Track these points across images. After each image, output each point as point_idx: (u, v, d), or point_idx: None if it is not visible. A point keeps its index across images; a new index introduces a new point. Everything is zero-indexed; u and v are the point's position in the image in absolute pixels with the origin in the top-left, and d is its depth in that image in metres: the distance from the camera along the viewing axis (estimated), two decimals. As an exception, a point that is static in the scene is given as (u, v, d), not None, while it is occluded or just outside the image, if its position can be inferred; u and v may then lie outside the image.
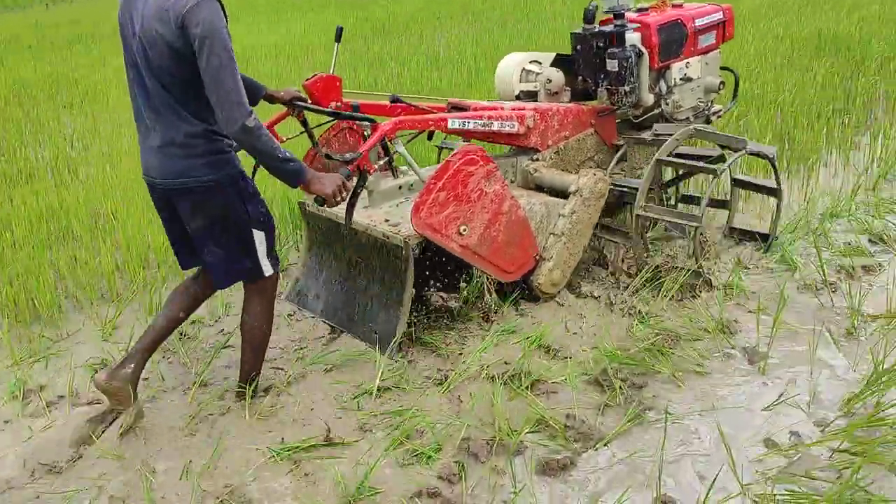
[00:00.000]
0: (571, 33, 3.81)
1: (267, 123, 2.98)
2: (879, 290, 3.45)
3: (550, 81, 3.80)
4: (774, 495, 2.29)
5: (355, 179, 2.90)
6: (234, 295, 3.74)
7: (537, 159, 3.68)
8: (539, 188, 3.66)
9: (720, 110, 4.25)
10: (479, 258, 3.25)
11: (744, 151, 3.56)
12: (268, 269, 2.78)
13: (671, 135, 3.59)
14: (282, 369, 3.15)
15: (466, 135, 3.61)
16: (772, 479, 2.38)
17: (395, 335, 3.15)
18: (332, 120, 3.47)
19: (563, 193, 3.55)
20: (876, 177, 4.75)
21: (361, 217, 3.29)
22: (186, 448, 2.72)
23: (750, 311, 3.34)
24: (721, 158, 3.78)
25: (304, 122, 3.34)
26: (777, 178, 3.85)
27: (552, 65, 3.89)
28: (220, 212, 2.63)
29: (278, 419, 2.84)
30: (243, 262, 2.73)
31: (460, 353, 3.16)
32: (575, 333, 3.28)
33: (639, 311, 3.37)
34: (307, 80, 3.44)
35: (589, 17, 3.67)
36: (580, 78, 3.83)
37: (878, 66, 6.77)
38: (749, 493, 2.33)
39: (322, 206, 2.72)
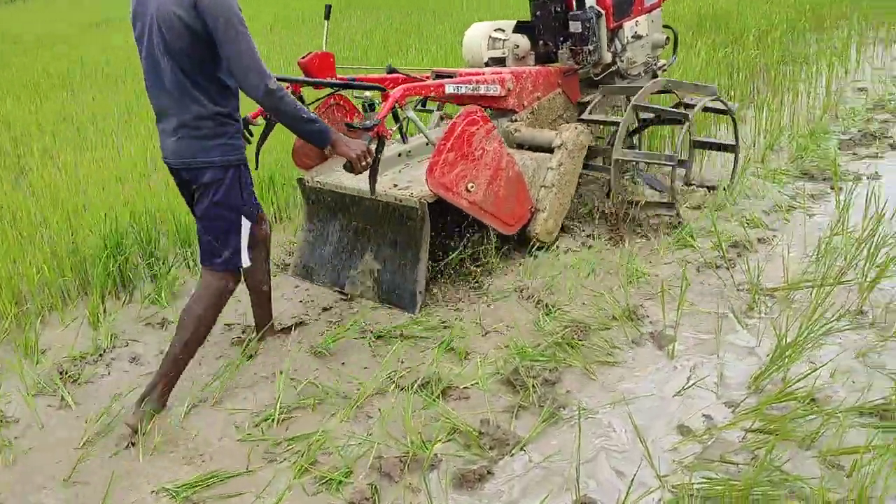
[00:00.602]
0: (531, 1, 4.04)
1: None
2: (776, 262, 3.51)
3: (518, 47, 4.06)
4: (692, 485, 2.25)
5: (374, 145, 3.01)
6: (124, 326, 3.48)
7: (516, 120, 3.90)
8: (520, 146, 3.86)
9: (665, 64, 4.54)
10: (485, 213, 3.46)
11: (715, 96, 3.95)
12: (245, 261, 2.83)
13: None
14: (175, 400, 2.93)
15: (455, 99, 3.76)
16: (688, 467, 2.35)
17: (416, 292, 3.35)
18: (322, 97, 3.64)
19: (545, 149, 3.79)
20: (763, 149, 4.87)
21: (362, 185, 3.36)
22: (74, 498, 2.48)
23: (655, 295, 3.33)
24: (683, 116, 3.94)
25: (301, 99, 3.42)
26: (736, 134, 4.17)
27: (514, 31, 4.12)
28: (220, 195, 2.72)
29: (173, 455, 2.62)
30: (227, 246, 2.79)
31: (365, 367, 3.02)
32: (486, 333, 3.19)
33: (545, 304, 3.31)
34: (303, 57, 3.46)
35: None
36: (541, 42, 4.10)
37: (756, 41, 6.99)
38: (667, 485, 2.29)
39: (350, 171, 2.82)
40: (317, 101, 3.66)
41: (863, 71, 6.33)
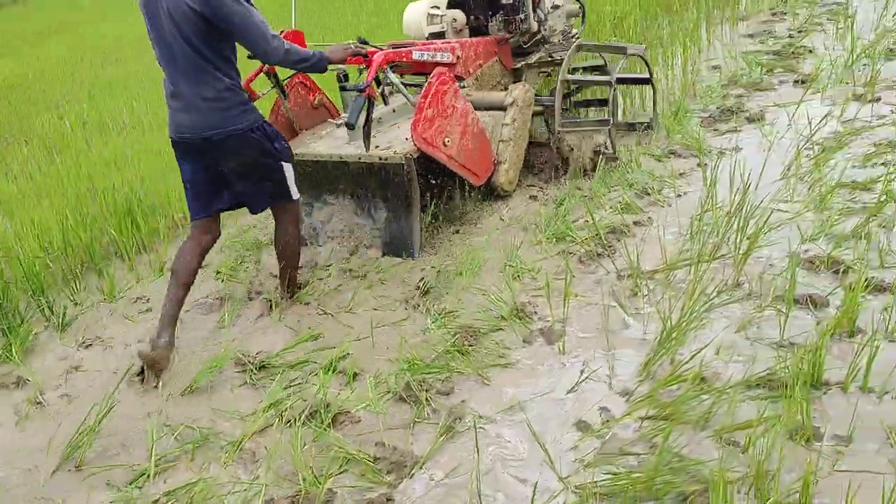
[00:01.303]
0: None
1: (245, 81, 3.24)
2: (654, 244, 3.54)
3: (456, 21, 4.40)
4: (595, 483, 2.20)
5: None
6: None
7: (464, 86, 4.10)
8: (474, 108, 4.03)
9: (577, 32, 4.90)
10: (459, 165, 3.78)
11: (626, 54, 4.44)
12: (295, 194, 3.29)
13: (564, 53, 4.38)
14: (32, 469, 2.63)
15: (416, 66, 3.99)
16: (590, 464, 2.30)
17: (413, 239, 3.68)
18: (290, 76, 3.91)
19: (497, 108, 4.15)
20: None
21: (349, 150, 3.71)
22: None
23: (541, 289, 3.29)
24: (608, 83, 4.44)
25: (275, 75, 3.68)
26: (650, 71, 4.76)
27: (448, 8, 4.44)
28: (253, 153, 3.09)
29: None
30: (276, 191, 3.23)
31: (247, 402, 2.82)
32: (373, 348, 3.05)
33: (433, 312, 3.21)
34: None
35: None
36: (472, 17, 4.47)
37: (613, 27, 7.15)
38: (570, 487, 2.23)
39: (351, 128, 3.38)
40: (286, 78, 3.92)
41: (714, 49, 6.59)
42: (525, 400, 2.63)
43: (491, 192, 4.17)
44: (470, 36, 4.45)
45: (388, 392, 2.76)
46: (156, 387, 2.98)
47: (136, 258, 4.16)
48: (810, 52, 6.00)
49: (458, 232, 3.96)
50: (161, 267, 3.97)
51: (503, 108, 4.14)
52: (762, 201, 3.67)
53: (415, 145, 3.54)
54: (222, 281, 3.80)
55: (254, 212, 3.41)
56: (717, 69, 5.99)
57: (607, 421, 2.48)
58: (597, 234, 3.64)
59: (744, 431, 2.31)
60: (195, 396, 2.88)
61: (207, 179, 3.18)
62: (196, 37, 2.88)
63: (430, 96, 3.57)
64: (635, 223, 3.79)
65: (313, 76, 4.10)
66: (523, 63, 4.55)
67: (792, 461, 2.18)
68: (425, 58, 3.90)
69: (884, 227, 3.36)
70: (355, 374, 2.88)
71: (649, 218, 3.82)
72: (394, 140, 3.74)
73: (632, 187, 4.14)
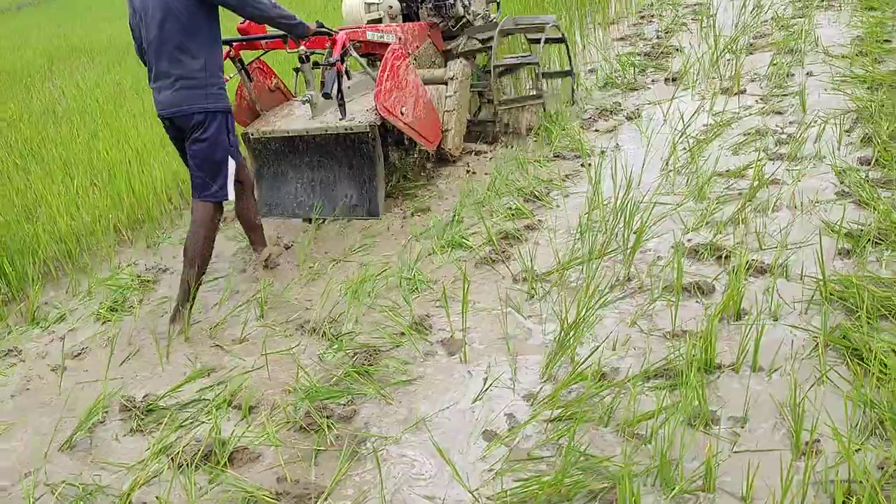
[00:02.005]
0: None
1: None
2: (546, 246, 3.57)
3: (391, 7, 4.73)
4: (505, 491, 2.16)
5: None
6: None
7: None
8: None
9: (495, 16, 5.38)
10: (415, 132, 4.17)
11: (546, 31, 5.03)
12: (231, 195, 3.43)
13: (490, 36, 4.93)
14: None
15: (367, 46, 4.37)
16: (499, 473, 2.26)
17: (378, 200, 4.08)
18: (253, 59, 4.32)
19: (439, 83, 4.60)
20: (517, 138, 5.01)
21: (313, 124, 4.12)
22: None
23: (439, 300, 3.24)
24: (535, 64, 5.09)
25: (241, 61, 4.13)
26: (570, 61, 5.45)
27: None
28: (211, 136, 3.31)
29: None
30: (216, 182, 3.37)
31: (133, 449, 2.63)
32: (268, 380, 2.92)
33: (330, 335, 3.11)
34: (241, 23, 3.98)
35: None
36: (405, 4, 4.87)
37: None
38: (481, 498, 2.18)
39: (328, 97, 3.76)
40: (249, 62, 4.27)
41: (589, 53, 6.77)
42: (430, 415, 2.57)
43: (440, 159, 4.67)
44: (403, 22, 4.82)
45: (288, 423, 2.64)
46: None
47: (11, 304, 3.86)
48: (678, 50, 6.25)
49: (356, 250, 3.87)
50: (33, 315, 3.69)
51: (445, 83, 4.61)
52: (645, 196, 3.77)
53: (377, 114, 3.90)
54: (103, 322, 3.56)
55: (194, 195, 3.46)
56: (594, 72, 6.16)
57: (513, 427, 2.45)
58: (490, 241, 3.64)
59: (645, 423, 2.33)
60: (76, 450, 2.66)
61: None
62: (179, 20, 3.20)
63: (387, 70, 3.93)
64: (527, 227, 3.81)
65: (269, 62, 4.54)
66: (455, 44, 5.08)
67: (693, 447, 2.21)
68: (376, 38, 4.37)
69: (759, 211, 3.50)
70: (251, 408, 2.74)
71: (540, 221, 3.85)
72: (355, 112, 4.07)
73: (521, 192, 4.17)
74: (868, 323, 2.54)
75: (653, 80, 5.71)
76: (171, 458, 2.51)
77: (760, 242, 3.24)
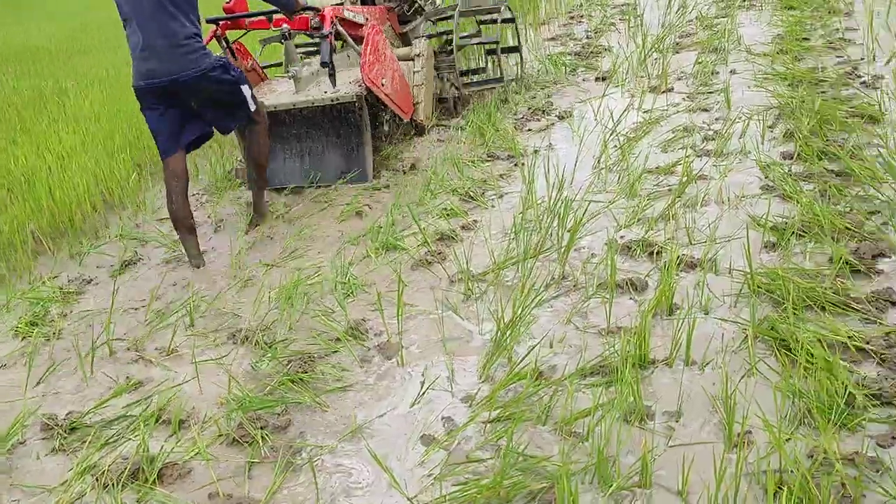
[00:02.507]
0: None
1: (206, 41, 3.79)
2: (482, 246, 3.55)
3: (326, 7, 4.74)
4: (444, 497, 2.14)
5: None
6: None
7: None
8: None
9: (440, 2, 5.88)
10: (393, 103, 4.52)
11: (500, 12, 5.58)
12: (254, 107, 3.89)
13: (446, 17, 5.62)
14: None
15: (342, 23, 4.47)
16: (438, 478, 2.23)
17: (366, 165, 4.43)
18: (237, 38, 4.51)
19: (406, 59, 4.97)
20: (448, 139, 5.00)
21: (298, 97, 4.40)
22: None
23: (375, 304, 3.20)
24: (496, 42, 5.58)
25: (227, 40, 4.32)
26: (518, 37, 5.96)
27: None
28: (217, 87, 3.69)
29: None
30: (241, 110, 3.86)
31: (55, 469, 2.51)
32: (199, 392, 2.82)
33: (264, 343, 3.03)
34: (227, 3, 4.23)
35: None
36: None
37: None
38: (421, 505, 2.15)
39: (326, 66, 4.04)
40: (234, 40, 4.44)
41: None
42: (367, 422, 2.53)
43: (414, 130, 5.10)
44: (362, 5, 5.09)
45: (220, 436, 2.56)
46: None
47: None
48: (607, 50, 6.34)
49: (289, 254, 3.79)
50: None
51: (411, 59, 5.01)
52: (578, 194, 3.79)
53: (362, 85, 4.25)
54: (22, 338, 3.40)
55: (224, 132, 4.06)
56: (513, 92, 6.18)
57: (452, 431, 2.43)
58: (425, 242, 3.61)
59: (583, 420, 2.34)
60: (-6, 473, 2.53)
61: (176, 117, 3.71)
62: None
63: (369, 44, 4.27)
64: (462, 227, 3.80)
65: (247, 44, 4.80)
66: (413, 25, 5.53)
67: (629, 443, 2.22)
68: (349, 17, 4.58)
69: (688, 206, 3.56)
70: (181, 422, 2.65)
71: (475, 221, 3.84)
72: (339, 85, 4.31)
73: (455, 193, 4.15)
74: (794, 314, 2.60)
75: (584, 79, 5.77)
76: (97, 478, 2.40)
77: (690, 237, 3.30)
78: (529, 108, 5.28)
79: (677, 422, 2.30)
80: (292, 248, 3.83)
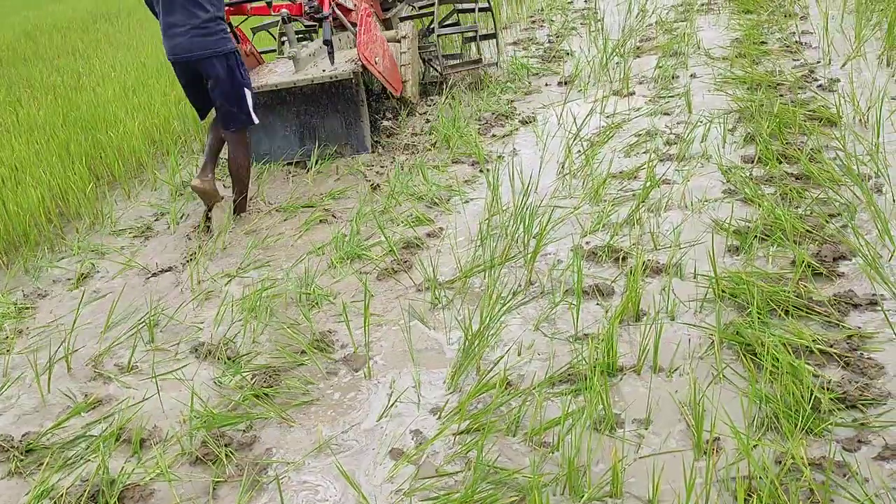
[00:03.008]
0: None
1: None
2: (448, 254, 3.53)
3: None
4: (415, 512, 2.11)
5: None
6: None
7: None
8: None
9: None
10: (385, 80, 4.91)
11: (488, 6, 6.13)
12: (255, 119, 4.17)
13: (427, 4, 6.03)
14: None
15: (340, 7, 5.04)
16: (407, 493, 2.20)
17: (365, 137, 4.83)
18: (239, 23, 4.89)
19: (393, 41, 5.28)
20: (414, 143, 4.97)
21: (297, 77, 4.64)
22: None
23: (341, 315, 3.15)
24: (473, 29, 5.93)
25: (230, 24, 4.42)
26: (495, 25, 6.39)
27: None
28: (226, 72, 3.97)
29: None
30: (240, 112, 4.08)
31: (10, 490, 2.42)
32: (160, 410, 2.75)
33: (227, 358, 2.96)
34: None
35: None
36: None
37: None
38: (391, 522, 2.12)
39: (329, 44, 4.50)
40: (236, 25, 4.69)
41: (483, 58, 6.79)
42: (334, 437, 2.48)
43: (403, 104, 5.48)
44: None
45: (183, 455, 2.49)
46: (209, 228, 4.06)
47: None
48: (569, 54, 6.37)
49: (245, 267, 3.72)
50: None
51: (398, 41, 5.34)
52: (543, 200, 3.79)
53: (357, 62, 4.56)
54: (-26, 357, 3.28)
55: (224, 128, 4.16)
56: (489, 77, 6.19)
57: (420, 444, 2.39)
58: (391, 251, 3.57)
59: (552, 430, 2.32)
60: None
61: (198, 94, 4.15)
62: None
63: (363, 25, 4.64)
64: (428, 235, 3.77)
65: (246, 30, 5.09)
66: (392, 14, 5.92)
67: (599, 452, 2.22)
68: (342, 2, 5.04)
69: (652, 211, 3.58)
70: (142, 441, 2.57)
71: (441, 228, 3.82)
72: (336, 64, 4.65)
73: (421, 199, 4.13)
74: (759, 318, 2.62)
75: (546, 84, 5.78)
76: (54, 502, 2.33)
77: (655, 243, 3.31)
78: (493, 114, 5.28)
79: (647, 430, 2.30)
80: (254, 259, 3.77)
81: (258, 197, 4.47)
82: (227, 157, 4.28)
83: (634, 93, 5.20)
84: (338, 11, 4.82)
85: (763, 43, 5.66)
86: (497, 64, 6.20)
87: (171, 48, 3.95)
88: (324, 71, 4.63)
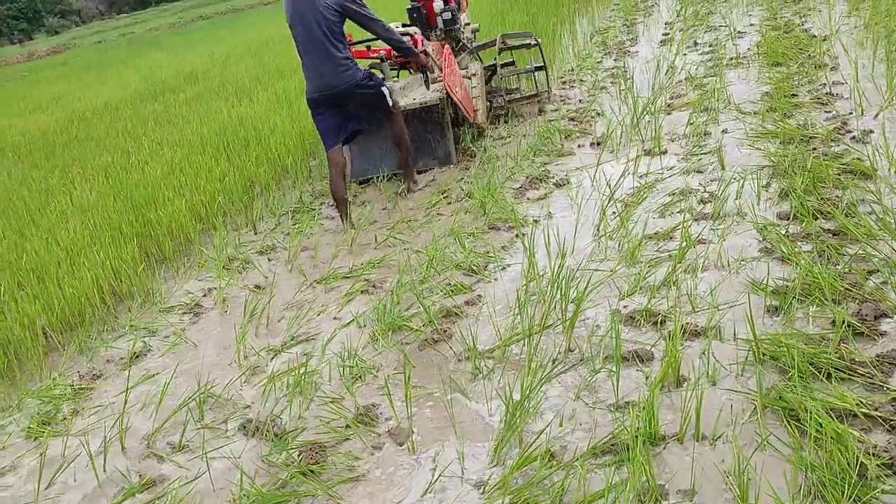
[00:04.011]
0: (408, 9, 6.69)
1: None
2: (487, 322, 3.58)
3: (417, 32, 5.97)
4: (462, 591, 2.12)
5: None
6: None
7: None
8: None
9: (474, 39, 7.31)
10: (464, 107, 5.94)
11: (534, 40, 7.01)
12: (394, 105, 5.35)
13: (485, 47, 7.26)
14: None
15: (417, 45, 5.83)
16: (455, 572, 2.22)
17: (451, 152, 5.99)
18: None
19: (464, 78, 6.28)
20: (453, 213, 5.07)
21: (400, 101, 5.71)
22: None
23: (383, 388, 3.21)
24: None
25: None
26: (543, 58, 7.07)
27: (404, 26, 6.12)
28: (365, 93, 5.14)
29: None
30: (381, 109, 5.29)
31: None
32: (211, 489, 2.82)
33: (273, 435, 3.04)
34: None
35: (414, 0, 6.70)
36: (421, 30, 6.29)
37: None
38: None
39: (423, 73, 5.64)
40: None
41: (517, 120, 6.95)
42: (380, 513, 2.52)
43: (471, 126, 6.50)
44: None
45: (233, 535, 2.55)
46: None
47: None
48: (600, 114, 6.46)
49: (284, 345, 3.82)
50: None
51: (469, 78, 6.31)
52: (579, 264, 3.83)
53: (443, 91, 5.67)
54: (34, 438, 3.41)
55: (373, 126, 5.54)
56: (525, 136, 6.31)
57: (465, 520, 2.42)
58: (430, 321, 3.64)
59: (597, 503, 2.33)
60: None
61: (337, 119, 5.18)
62: (329, 21, 4.89)
63: (446, 62, 5.69)
64: (467, 303, 3.83)
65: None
66: (461, 58, 6.85)
67: (645, 527, 2.21)
68: (425, 47, 5.85)
69: (689, 272, 3.59)
70: (194, 524, 2.65)
71: (479, 296, 3.87)
72: (420, 96, 5.80)
73: (459, 267, 4.20)
74: (801, 381, 2.61)
75: (579, 145, 5.87)
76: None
77: (693, 304, 3.32)
78: (527, 177, 5.37)
79: (692, 501, 2.29)
80: (297, 332, 3.87)
81: (299, 263, 4.60)
82: (390, 135, 5.55)
83: (667, 151, 5.25)
84: (428, 49, 5.80)
85: (794, 95, 5.69)
86: (549, 91, 7.23)
87: (317, 86, 5.03)
88: (414, 99, 5.74)
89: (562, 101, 7.27)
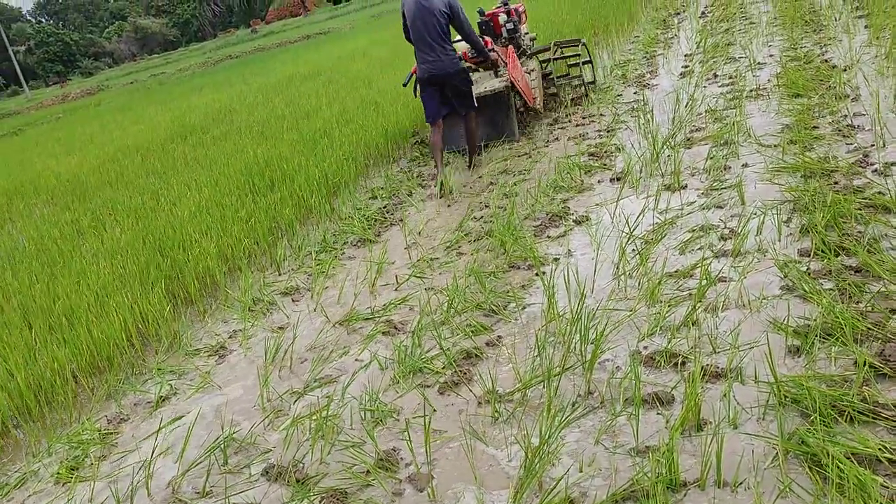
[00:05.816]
0: (478, 22, 8.02)
1: None
2: (506, 364, 3.59)
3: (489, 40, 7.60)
4: None
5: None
6: None
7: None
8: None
9: (533, 45, 9.03)
10: (525, 94, 7.55)
11: (582, 42, 8.99)
12: (475, 104, 6.96)
13: (543, 50, 9.06)
14: None
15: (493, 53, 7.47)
16: None
17: (514, 129, 7.65)
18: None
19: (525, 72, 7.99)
20: (472, 251, 5.11)
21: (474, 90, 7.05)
22: None
23: (404, 432, 3.23)
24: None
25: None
26: (589, 53, 9.05)
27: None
28: (463, 81, 6.77)
29: None
30: (471, 100, 6.88)
31: None
32: (234, 535, 2.85)
33: (296, 480, 3.06)
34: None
35: (483, 13, 8.10)
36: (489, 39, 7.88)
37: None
38: None
39: (495, 73, 7.49)
40: None
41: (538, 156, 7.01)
42: (400, 562, 2.52)
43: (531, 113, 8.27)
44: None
45: (255, 583, 2.57)
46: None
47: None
48: (619, 149, 6.49)
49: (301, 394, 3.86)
50: None
51: (528, 72, 8.06)
52: (599, 304, 3.84)
53: (508, 81, 7.20)
54: (63, 484, 3.47)
55: (461, 113, 6.92)
56: (544, 174, 6.35)
57: (485, 568, 2.41)
58: (451, 363, 3.66)
59: (617, 553, 2.32)
60: None
61: (436, 99, 6.75)
62: (441, 22, 6.48)
63: (510, 59, 7.33)
64: (487, 344, 3.84)
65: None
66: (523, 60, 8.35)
67: (665, 577, 2.19)
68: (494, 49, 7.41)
69: (709, 311, 3.58)
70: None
71: (499, 337, 3.89)
72: (494, 84, 7.28)
73: (479, 308, 4.22)
74: (823, 425, 2.58)
75: (598, 181, 5.89)
76: None
77: (713, 345, 3.30)
78: (547, 214, 5.40)
79: (712, 550, 2.27)
80: (319, 375, 3.90)
81: (322, 303, 4.65)
82: (465, 129, 7.08)
83: (686, 186, 5.26)
84: (497, 51, 7.34)
85: (814, 127, 5.67)
86: (594, 82, 9.11)
87: (430, 70, 6.60)
88: (485, 87, 7.20)
89: (581, 137, 7.31)
